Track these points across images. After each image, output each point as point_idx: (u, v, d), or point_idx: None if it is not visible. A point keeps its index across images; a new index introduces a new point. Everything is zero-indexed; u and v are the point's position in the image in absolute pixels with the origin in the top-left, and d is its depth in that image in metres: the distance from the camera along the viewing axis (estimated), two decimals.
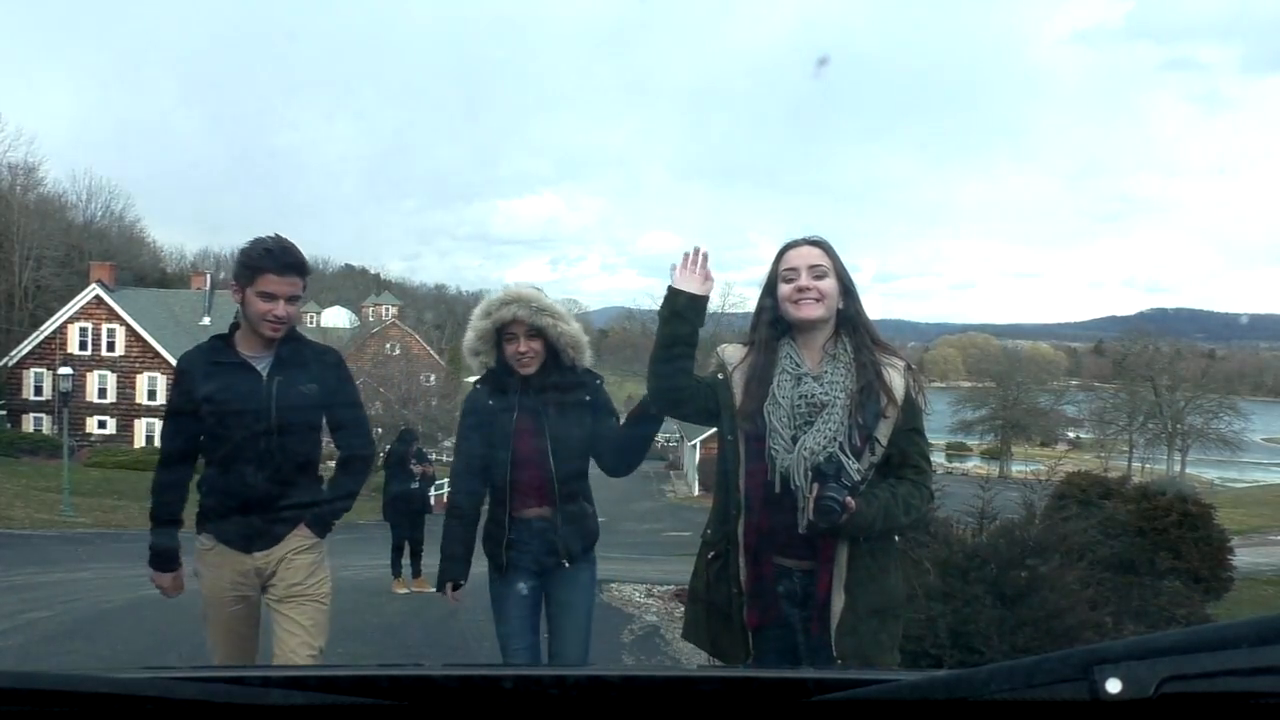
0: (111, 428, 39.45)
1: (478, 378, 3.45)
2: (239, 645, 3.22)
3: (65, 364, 31.91)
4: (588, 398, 3.31)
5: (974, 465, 50.69)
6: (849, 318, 2.68)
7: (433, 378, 42.96)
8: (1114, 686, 0.85)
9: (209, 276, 46.50)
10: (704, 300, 2.76)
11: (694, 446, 41.04)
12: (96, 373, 39.26)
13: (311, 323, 57.39)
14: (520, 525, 3.27)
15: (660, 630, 7.80)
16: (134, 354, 39.51)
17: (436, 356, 53.70)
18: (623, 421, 3.32)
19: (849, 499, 2.45)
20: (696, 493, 39.89)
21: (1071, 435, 62.37)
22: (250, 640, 3.26)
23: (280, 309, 3.06)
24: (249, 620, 3.24)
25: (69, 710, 0.94)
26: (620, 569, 11.45)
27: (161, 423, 3.52)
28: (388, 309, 68.26)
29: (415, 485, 10.53)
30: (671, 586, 9.76)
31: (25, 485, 26.70)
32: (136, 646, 6.80)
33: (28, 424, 39.01)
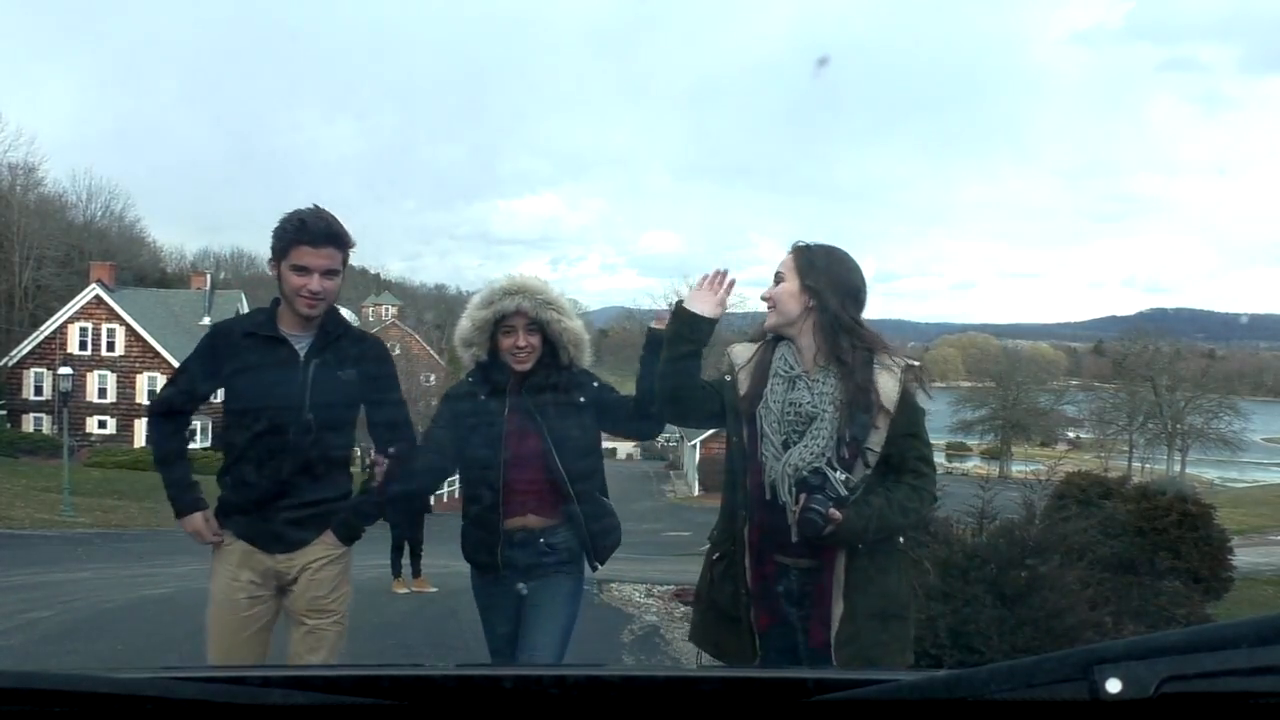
0: (111, 428, 39.44)
1: (469, 371, 3.23)
2: (249, 651, 2.91)
3: (65, 364, 31.92)
4: (582, 399, 3.11)
5: (974, 465, 50.64)
6: (836, 321, 2.58)
7: (433, 378, 43.00)
8: (1114, 686, 0.85)
9: (209, 276, 46.55)
10: (712, 323, 2.71)
11: (694, 446, 41.02)
12: (96, 373, 39.25)
13: None
14: (515, 532, 3.07)
15: (660, 630, 7.80)
16: (134, 354, 39.50)
17: (436, 356, 53.71)
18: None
19: (833, 511, 2.43)
20: (696, 493, 39.88)
21: (1071, 435, 62.36)
22: (263, 646, 2.96)
23: (315, 283, 2.82)
24: (263, 623, 2.96)
25: (69, 710, 0.94)
26: (620, 569, 11.44)
27: (164, 382, 3.24)
28: (388, 309, 68.26)
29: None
30: (671, 586, 9.77)
31: (25, 485, 26.68)
32: (136, 646, 6.80)
33: (28, 424, 39.01)
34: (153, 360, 39.09)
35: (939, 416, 52.68)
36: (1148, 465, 49.64)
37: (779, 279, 2.65)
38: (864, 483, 2.53)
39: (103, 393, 39.50)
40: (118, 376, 39.57)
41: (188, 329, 40.54)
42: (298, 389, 2.86)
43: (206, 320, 41.15)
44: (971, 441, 60.60)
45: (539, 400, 3.07)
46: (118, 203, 53.03)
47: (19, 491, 25.17)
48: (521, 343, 3.06)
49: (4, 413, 37.70)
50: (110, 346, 39.54)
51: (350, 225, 2.89)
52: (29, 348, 39.22)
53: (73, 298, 39.93)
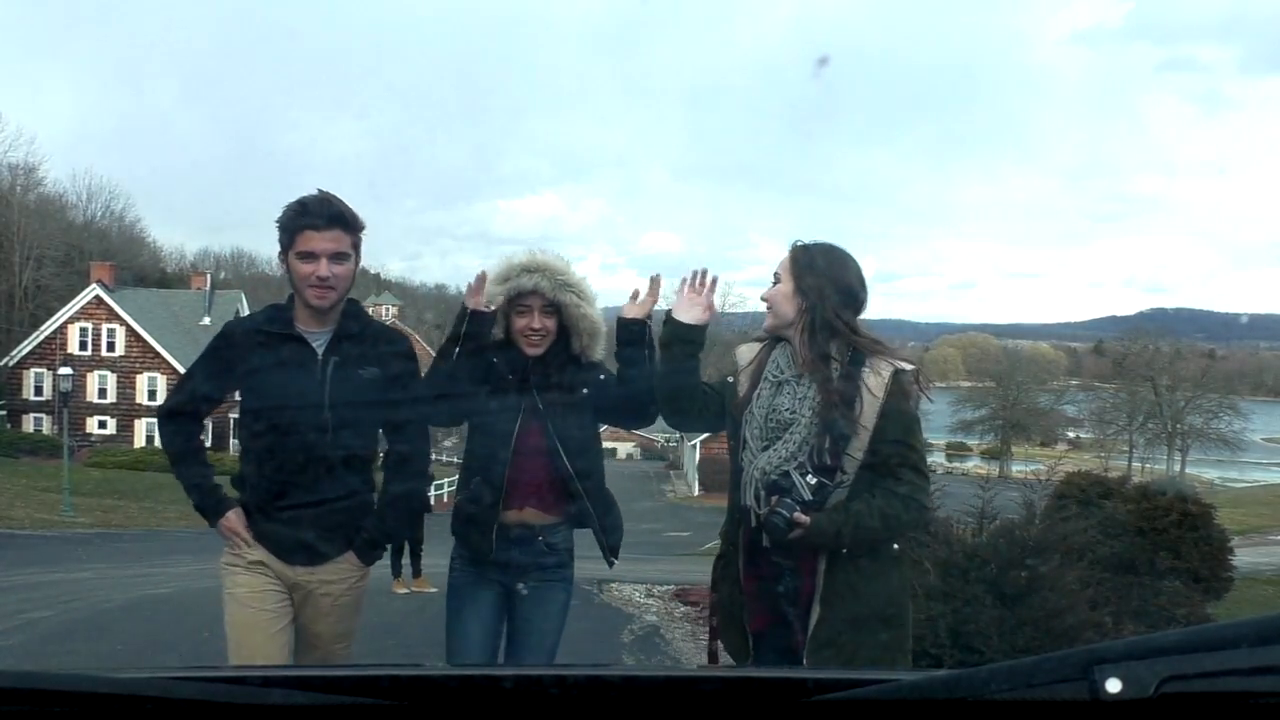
0: (111, 428, 39.46)
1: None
2: (277, 649, 2.73)
3: (65, 364, 31.94)
4: (585, 390, 2.93)
5: (974, 465, 50.66)
6: (827, 324, 2.52)
7: None
8: (1114, 686, 0.85)
9: (209, 276, 46.58)
10: (702, 329, 2.71)
11: (694, 446, 41.04)
12: (96, 373, 39.27)
13: None
14: (512, 527, 2.89)
15: (660, 630, 7.80)
16: (134, 354, 39.52)
17: None
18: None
19: (798, 515, 2.40)
20: (696, 493, 39.90)
21: (1071, 435, 62.40)
22: (291, 644, 2.79)
23: (323, 268, 2.65)
24: (287, 620, 2.78)
25: (69, 710, 0.94)
26: (620, 569, 11.41)
27: (164, 383, 3.14)
28: (388, 309, 68.24)
29: None
30: (671, 586, 9.77)
31: (25, 485, 26.70)
32: (136, 646, 6.80)
33: (28, 424, 39.04)
34: (153, 360, 39.11)
35: (939, 416, 52.66)
36: (1148, 465, 49.65)
37: (776, 280, 2.63)
38: (842, 487, 2.48)
39: (103, 393, 39.52)
40: (118, 377, 39.59)
41: (188, 329, 40.55)
42: (315, 389, 2.70)
43: (207, 320, 41.18)
44: (971, 441, 60.62)
45: (548, 389, 2.89)
46: (118, 203, 53.12)
47: (19, 491, 25.19)
48: (536, 325, 2.87)
49: (4, 413, 37.72)
50: (110, 347, 39.56)
51: None
52: (29, 348, 39.25)
53: (73, 298, 39.96)
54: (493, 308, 2.86)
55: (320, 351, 2.75)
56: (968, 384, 72.66)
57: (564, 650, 3.02)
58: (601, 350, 3.04)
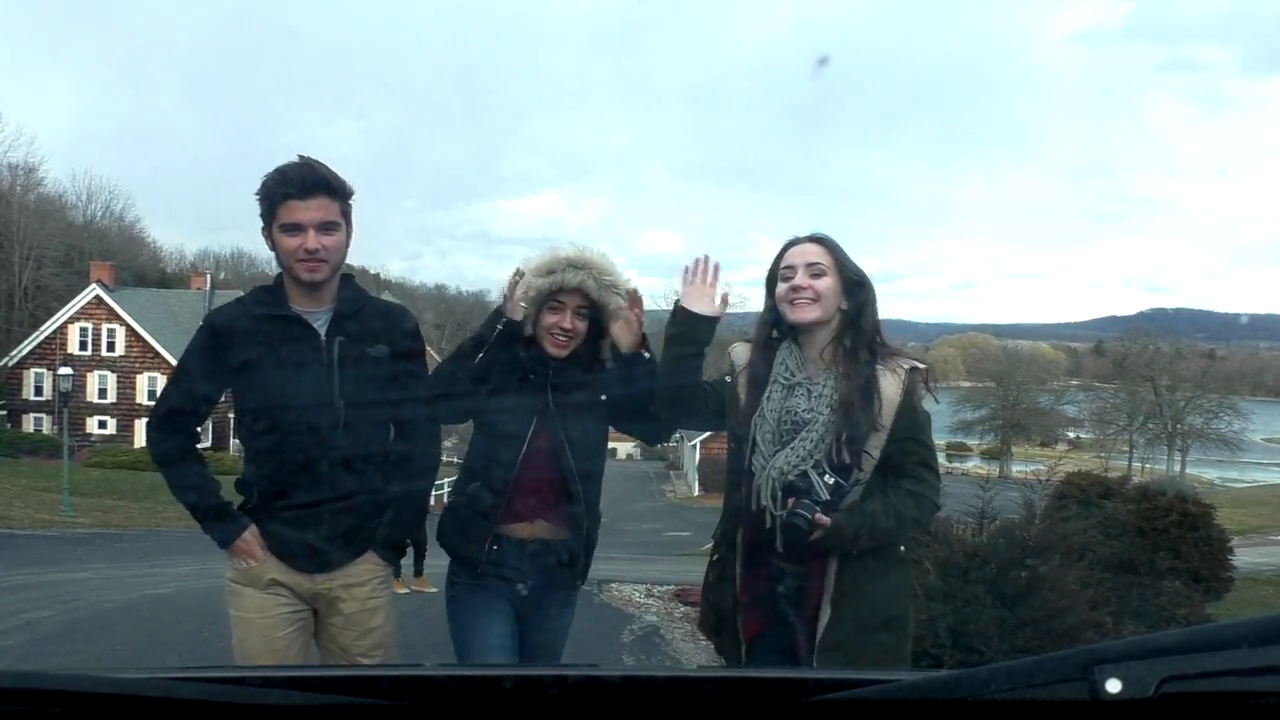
0: (111, 428, 39.44)
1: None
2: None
3: (65, 364, 31.93)
4: (604, 397, 2.76)
5: (974, 465, 50.66)
6: (853, 318, 2.50)
7: None
8: (1114, 686, 0.85)
9: (209, 276, 46.51)
10: (714, 322, 2.58)
11: (694, 446, 41.02)
12: (96, 373, 39.26)
13: None
14: (528, 542, 2.70)
15: (660, 630, 7.80)
16: (134, 354, 39.51)
17: (436, 356, 53.57)
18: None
19: (819, 516, 2.35)
20: (696, 493, 39.87)
21: (1071, 435, 62.36)
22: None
23: (311, 240, 2.40)
24: (300, 644, 2.58)
25: (69, 710, 0.94)
26: (620, 569, 11.45)
27: (164, 383, 2.79)
28: None
29: None
30: (671, 586, 9.77)
31: (25, 485, 26.69)
32: (136, 646, 6.80)
33: (28, 424, 39.01)
34: (153, 360, 39.09)
35: (939, 416, 52.24)
36: (1148, 465, 49.63)
37: (820, 272, 2.49)
38: (859, 486, 2.45)
39: (103, 393, 39.50)
40: (118, 377, 39.57)
41: (188, 329, 40.36)
42: (323, 374, 2.46)
43: None
44: (971, 441, 60.59)
45: (568, 391, 2.70)
46: (118, 203, 53.14)
47: (19, 491, 25.18)
48: (567, 324, 2.68)
49: (4, 413, 37.70)
50: (110, 347, 39.55)
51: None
52: (29, 348, 39.24)
53: (73, 298, 39.94)
54: (524, 316, 2.69)
55: (323, 332, 2.49)
56: (968, 384, 72.62)
57: (564, 650, 2.94)
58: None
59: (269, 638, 2.53)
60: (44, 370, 39.04)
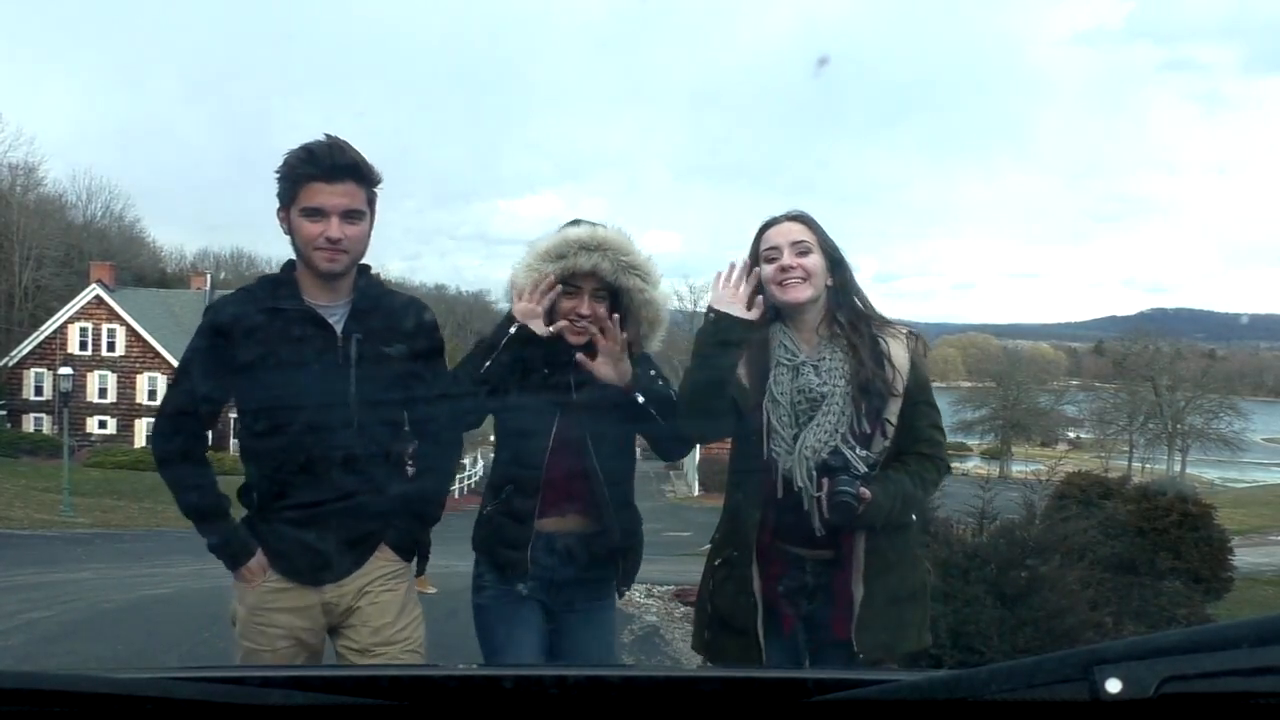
0: (112, 428, 39.45)
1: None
2: None
3: (65, 364, 31.93)
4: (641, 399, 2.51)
5: (974, 465, 50.58)
6: (840, 292, 2.47)
7: None
8: (1114, 686, 0.85)
9: (209, 276, 46.52)
10: (750, 324, 2.41)
11: None
12: (97, 373, 39.26)
13: None
14: (557, 536, 2.53)
15: (660, 630, 7.80)
16: (134, 354, 39.51)
17: None
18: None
19: (863, 490, 2.30)
20: (696, 493, 39.85)
21: (1071, 435, 62.35)
22: None
23: (334, 228, 2.22)
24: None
25: (69, 710, 0.94)
26: None
27: (167, 385, 2.54)
28: None
29: None
30: (671, 586, 9.76)
31: (25, 485, 26.69)
32: (136, 646, 6.80)
33: (28, 424, 39.02)
34: (153, 360, 39.11)
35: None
36: (1148, 465, 49.62)
37: (806, 250, 2.44)
38: (882, 456, 2.42)
39: (103, 393, 39.51)
40: (118, 377, 39.58)
41: (188, 329, 40.11)
42: (338, 374, 2.28)
43: None
44: (971, 441, 60.55)
45: (591, 382, 2.50)
46: (118, 203, 53.17)
47: (19, 491, 25.18)
48: (585, 310, 2.48)
49: (4, 413, 37.70)
50: (110, 346, 39.56)
51: None
52: (29, 348, 39.24)
53: (73, 298, 39.95)
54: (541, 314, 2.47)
55: (339, 328, 2.31)
56: (968, 384, 72.62)
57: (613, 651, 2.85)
58: (659, 341, 2.64)
59: (275, 654, 2.38)
60: (44, 370, 39.04)
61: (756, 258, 2.48)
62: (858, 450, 2.38)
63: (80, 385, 36.51)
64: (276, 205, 2.32)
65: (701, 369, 2.43)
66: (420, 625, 2.50)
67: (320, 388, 2.29)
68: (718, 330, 2.40)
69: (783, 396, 2.43)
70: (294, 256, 2.35)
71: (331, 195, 2.23)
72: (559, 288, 2.49)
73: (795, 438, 2.40)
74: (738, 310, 2.40)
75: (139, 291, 42.53)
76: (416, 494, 2.49)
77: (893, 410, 2.42)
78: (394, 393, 2.37)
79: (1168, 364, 52.44)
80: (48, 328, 39.47)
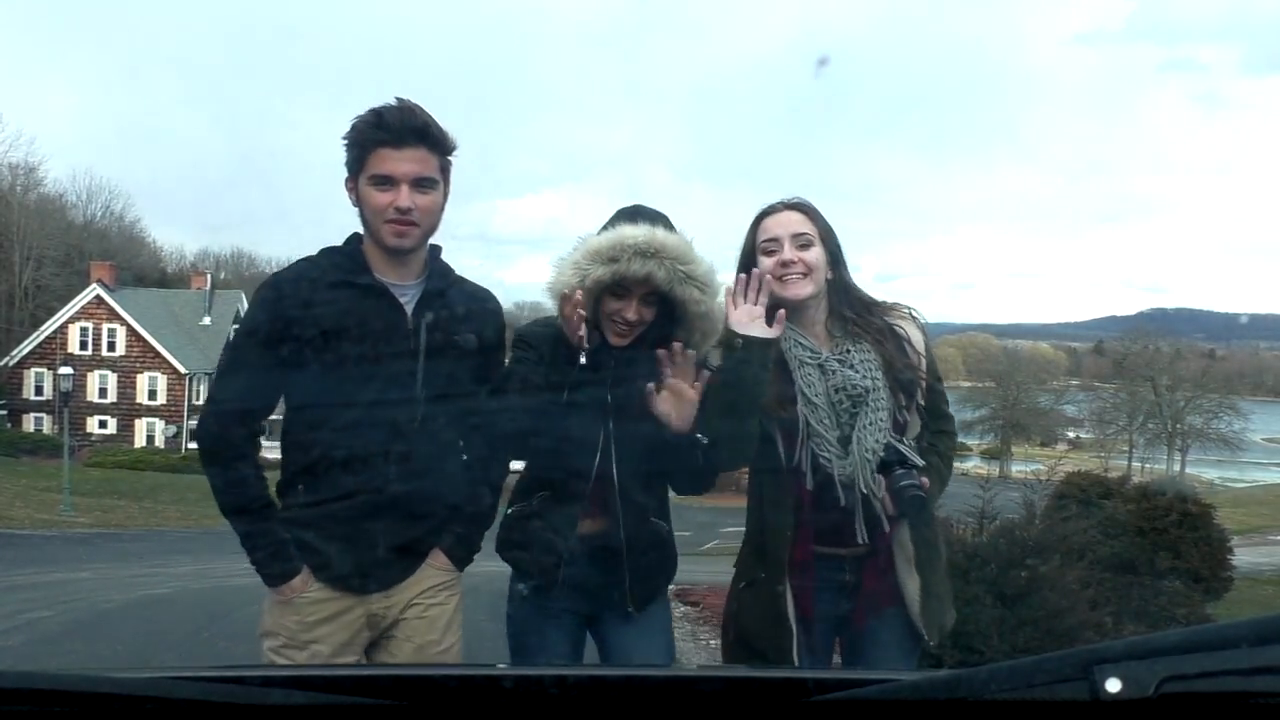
0: (112, 427, 39.48)
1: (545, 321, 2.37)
2: None
3: (66, 364, 31.93)
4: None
5: (974, 465, 50.60)
6: (839, 283, 2.35)
7: None
8: (1114, 686, 0.85)
9: (209, 276, 46.60)
10: (772, 344, 2.23)
11: None
12: (97, 373, 39.29)
13: None
14: (584, 541, 2.37)
15: None
16: (134, 354, 39.54)
17: None
18: None
19: (923, 479, 2.19)
20: None
21: (1071, 435, 62.36)
22: None
23: (404, 197, 2.05)
24: None
25: (69, 710, 0.94)
26: None
27: (218, 367, 2.39)
28: None
29: None
30: (672, 586, 9.78)
31: (25, 485, 26.70)
32: (136, 646, 6.79)
33: (28, 424, 39.05)
34: (153, 360, 39.15)
35: None
36: (1148, 465, 49.63)
37: (807, 241, 2.29)
38: (922, 442, 2.36)
39: (103, 393, 39.54)
40: (118, 376, 39.61)
41: (188, 329, 40.59)
42: (407, 359, 2.10)
43: (207, 320, 41.25)
44: (971, 441, 60.52)
45: (630, 384, 2.33)
46: (118, 203, 53.20)
47: (19, 491, 25.19)
48: (632, 315, 2.30)
49: (4, 413, 37.72)
50: (111, 346, 39.59)
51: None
52: (29, 348, 39.28)
53: (73, 298, 40.00)
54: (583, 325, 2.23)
55: (410, 309, 2.13)
56: (968, 384, 72.54)
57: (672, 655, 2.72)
58: (708, 352, 2.47)
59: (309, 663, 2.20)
60: (44, 370, 39.07)
61: (753, 249, 2.34)
62: (907, 442, 2.28)
63: (80, 385, 36.53)
64: (345, 176, 2.14)
65: (738, 399, 2.23)
66: (460, 643, 2.31)
67: (385, 373, 2.09)
68: (749, 357, 2.21)
69: (819, 397, 2.28)
70: (360, 230, 2.17)
71: (401, 161, 2.05)
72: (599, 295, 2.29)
73: (843, 440, 2.27)
74: (760, 330, 2.21)
75: (139, 291, 42.57)
76: (473, 498, 2.29)
77: (920, 395, 2.35)
78: (462, 385, 2.17)
79: (1167, 364, 52.48)
80: (48, 327, 39.50)
